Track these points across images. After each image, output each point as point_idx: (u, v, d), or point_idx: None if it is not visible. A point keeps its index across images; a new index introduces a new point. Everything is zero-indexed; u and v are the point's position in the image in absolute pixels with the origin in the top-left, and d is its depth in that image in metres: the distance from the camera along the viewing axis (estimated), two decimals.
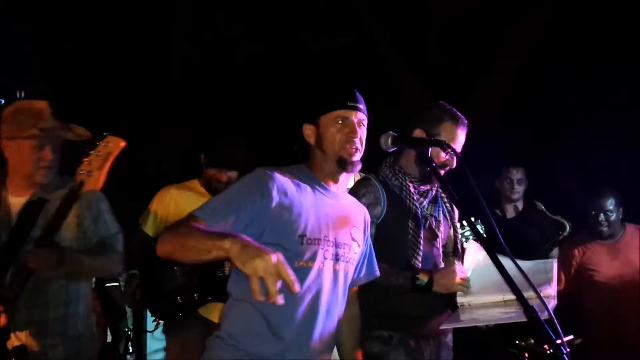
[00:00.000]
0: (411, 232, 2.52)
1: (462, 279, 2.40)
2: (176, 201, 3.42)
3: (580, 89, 5.34)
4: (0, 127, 2.67)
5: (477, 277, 2.40)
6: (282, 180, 2.07)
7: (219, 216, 1.96)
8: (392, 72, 6.23)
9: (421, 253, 2.55)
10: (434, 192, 2.64)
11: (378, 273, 2.38)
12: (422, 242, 2.55)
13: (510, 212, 4.50)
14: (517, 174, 4.47)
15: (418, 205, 2.56)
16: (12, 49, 4.77)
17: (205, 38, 6.22)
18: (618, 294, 3.97)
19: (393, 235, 2.46)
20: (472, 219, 3.10)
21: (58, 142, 2.68)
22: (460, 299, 2.32)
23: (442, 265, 2.62)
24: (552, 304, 2.05)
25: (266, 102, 6.09)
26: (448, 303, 2.62)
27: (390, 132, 2.20)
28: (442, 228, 2.64)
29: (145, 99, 5.91)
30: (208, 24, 6.19)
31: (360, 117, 2.19)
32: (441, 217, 2.65)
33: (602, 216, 3.99)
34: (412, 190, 2.57)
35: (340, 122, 2.15)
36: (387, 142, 2.18)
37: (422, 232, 2.55)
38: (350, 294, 2.30)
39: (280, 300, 1.63)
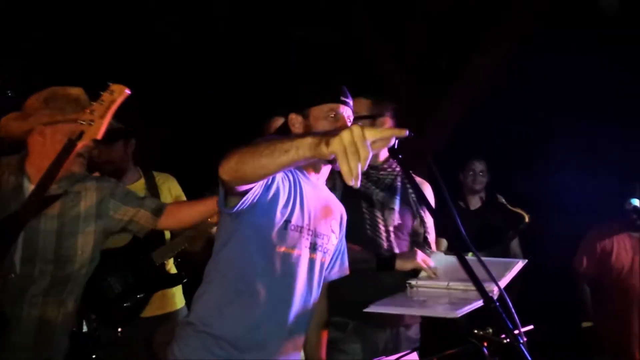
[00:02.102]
0: (366, 212, 2.56)
1: (423, 260, 2.47)
2: None
3: (566, 79, 5.39)
4: (32, 116, 2.59)
5: (436, 262, 2.50)
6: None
7: None
8: (375, 61, 6.24)
9: (382, 232, 2.59)
10: (392, 181, 2.67)
11: (348, 270, 2.40)
12: (380, 222, 2.59)
13: (474, 204, 4.71)
14: (479, 166, 4.70)
15: (370, 189, 2.63)
16: None
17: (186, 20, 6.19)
18: (632, 288, 4.10)
19: (351, 218, 2.47)
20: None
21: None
22: (410, 281, 2.39)
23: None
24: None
25: (245, 88, 6.09)
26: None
27: (359, 123, 2.22)
28: (395, 216, 2.67)
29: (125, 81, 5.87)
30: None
31: (349, 113, 2.23)
32: (396, 206, 2.69)
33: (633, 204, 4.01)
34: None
35: (332, 115, 2.18)
36: None
37: (377, 212, 2.60)
38: (322, 288, 2.33)
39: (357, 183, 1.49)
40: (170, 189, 3.73)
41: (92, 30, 5.74)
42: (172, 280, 3.51)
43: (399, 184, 2.75)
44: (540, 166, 5.53)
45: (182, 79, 6.06)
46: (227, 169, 1.79)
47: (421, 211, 2.77)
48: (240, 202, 1.93)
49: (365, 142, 1.50)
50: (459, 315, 1.94)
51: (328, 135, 1.56)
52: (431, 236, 2.84)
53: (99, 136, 2.45)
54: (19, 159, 2.65)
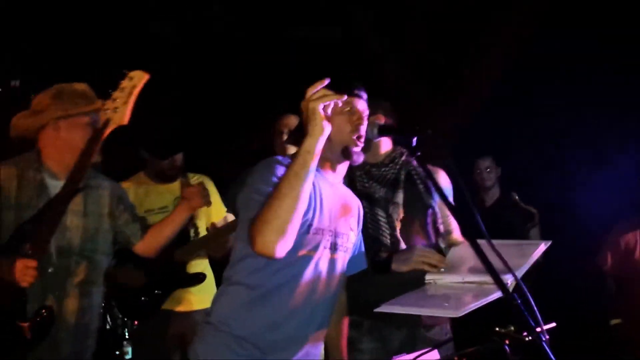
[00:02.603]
0: (367, 210, 2.54)
1: (422, 258, 2.33)
2: (135, 195, 3.50)
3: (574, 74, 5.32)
4: (43, 112, 2.66)
5: (454, 257, 2.38)
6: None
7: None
8: (375, 60, 6.22)
9: (385, 229, 2.56)
10: (395, 175, 2.65)
11: (365, 264, 2.39)
12: (382, 219, 2.57)
13: (488, 201, 4.75)
14: (484, 164, 4.74)
15: (372, 187, 2.61)
16: None
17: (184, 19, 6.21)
18: None
19: None
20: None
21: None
22: (428, 276, 2.30)
23: None
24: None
25: (245, 90, 6.10)
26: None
27: (377, 121, 2.22)
28: (400, 210, 2.65)
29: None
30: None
31: (364, 106, 2.22)
32: (400, 200, 2.66)
33: None
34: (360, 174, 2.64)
35: (348, 109, 2.17)
36: (373, 131, 2.19)
37: (379, 209, 2.57)
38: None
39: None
40: (210, 187, 3.74)
41: (94, 26, 5.76)
42: (191, 280, 3.53)
43: (402, 177, 2.73)
44: (558, 163, 5.46)
45: (184, 80, 6.08)
46: (266, 236, 1.89)
47: (433, 202, 2.74)
48: None
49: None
50: (461, 315, 1.88)
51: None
52: (449, 226, 2.81)
53: (125, 121, 2.53)
54: (34, 156, 2.70)
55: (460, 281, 2.18)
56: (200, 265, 3.64)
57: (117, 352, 3.48)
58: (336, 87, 2.18)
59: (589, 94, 5.13)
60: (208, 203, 2.92)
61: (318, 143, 1.95)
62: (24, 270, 2.42)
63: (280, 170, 2.03)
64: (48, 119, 2.65)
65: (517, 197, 4.53)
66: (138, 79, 2.53)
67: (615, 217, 4.35)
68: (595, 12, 5.24)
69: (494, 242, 1.86)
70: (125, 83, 2.52)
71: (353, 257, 2.33)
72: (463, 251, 2.35)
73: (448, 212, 2.77)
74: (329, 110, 1.97)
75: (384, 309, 2.06)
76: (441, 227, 2.76)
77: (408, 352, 2.68)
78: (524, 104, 5.65)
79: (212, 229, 3.58)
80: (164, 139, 3.74)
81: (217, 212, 3.71)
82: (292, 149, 2.99)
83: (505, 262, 1.81)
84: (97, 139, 2.57)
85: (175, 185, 3.67)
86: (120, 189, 2.94)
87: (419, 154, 2.08)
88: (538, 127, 5.56)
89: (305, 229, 2.06)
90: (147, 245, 2.87)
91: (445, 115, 6.02)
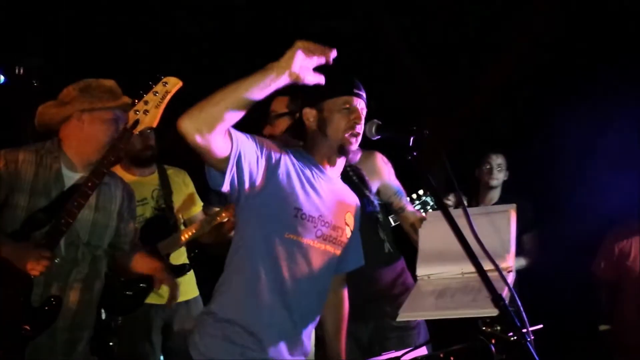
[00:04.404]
0: None
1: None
2: None
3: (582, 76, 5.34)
4: (69, 104, 2.71)
5: (433, 245, 2.21)
6: (290, 157, 2.16)
7: (244, 137, 2.03)
8: (392, 55, 6.22)
9: None
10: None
11: (363, 261, 2.43)
12: None
13: (487, 203, 4.29)
14: (497, 160, 4.32)
15: None
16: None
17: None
18: None
19: None
20: (421, 192, 3.18)
21: (125, 121, 2.73)
22: (420, 271, 2.19)
23: None
24: (510, 277, 1.94)
25: None
26: (376, 289, 2.75)
27: (375, 120, 2.24)
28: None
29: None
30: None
31: (363, 106, 2.25)
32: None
33: None
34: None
35: (346, 107, 2.21)
36: (371, 130, 2.22)
37: None
38: (337, 281, 2.38)
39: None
40: (185, 181, 3.81)
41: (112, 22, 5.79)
42: (175, 272, 3.54)
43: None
44: (558, 167, 5.48)
45: (196, 72, 6.10)
46: (191, 113, 1.88)
47: (367, 191, 2.79)
48: (229, 170, 1.97)
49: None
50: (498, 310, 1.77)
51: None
52: (399, 203, 2.88)
53: (155, 124, 2.59)
54: (55, 145, 2.75)
55: (458, 274, 2.07)
56: (180, 258, 3.68)
57: (111, 343, 3.50)
58: (336, 86, 2.23)
59: (591, 96, 5.14)
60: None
61: (278, 73, 1.91)
62: (38, 260, 2.48)
63: (275, 148, 2.11)
64: (73, 111, 2.70)
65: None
66: (172, 85, 2.57)
67: (610, 222, 4.36)
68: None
69: (459, 212, 1.89)
70: (159, 87, 2.57)
71: (351, 254, 2.37)
72: (436, 231, 2.18)
73: (393, 192, 2.85)
74: (307, 63, 1.95)
75: (405, 317, 2.02)
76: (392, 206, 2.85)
77: (379, 345, 2.74)
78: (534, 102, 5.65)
79: (203, 220, 3.59)
80: None
81: (193, 205, 3.77)
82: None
83: (486, 252, 1.82)
84: (126, 138, 2.63)
85: (154, 177, 3.69)
86: (131, 190, 2.99)
87: (415, 154, 2.11)
88: (544, 127, 5.56)
89: (293, 211, 2.10)
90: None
91: (456, 108, 6.02)
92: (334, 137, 2.21)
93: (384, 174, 2.90)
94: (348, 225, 2.30)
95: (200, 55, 6.25)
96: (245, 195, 2.06)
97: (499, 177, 4.32)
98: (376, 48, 6.24)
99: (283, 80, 1.93)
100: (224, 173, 1.98)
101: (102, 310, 3.98)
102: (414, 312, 2.02)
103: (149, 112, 2.57)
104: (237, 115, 1.93)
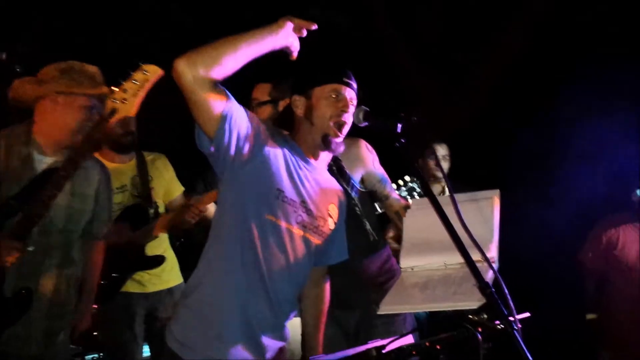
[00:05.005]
0: None
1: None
2: None
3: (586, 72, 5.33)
4: (47, 83, 2.64)
5: (417, 235, 2.19)
6: (275, 139, 2.13)
7: (237, 104, 2.03)
8: (387, 47, 6.20)
9: None
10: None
11: (347, 255, 2.41)
12: None
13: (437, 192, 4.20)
14: (441, 150, 4.33)
15: None
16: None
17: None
18: (637, 280, 4.08)
19: None
20: (408, 178, 3.17)
21: (101, 110, 2.67)
22: (403, 262, 2.16)
23: None
24: (494, 267, 1.90)
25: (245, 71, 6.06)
26: (362, 278, 2.74)
27: (363, 106, 2.22)
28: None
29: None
30: None
31: (352, 95, 2.22)
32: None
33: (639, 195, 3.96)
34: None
35: (334, 95, 2.18)
36: (358, 116, 2.20)
37: None
38: (319, 274, 2.36)
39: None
40: (165, 166, 3.77)
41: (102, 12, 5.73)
42: (150, 262, 3.54)
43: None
44: (548, 158, 5.48)
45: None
46: (188, 56, 1.92)
47: (347, 181, 2.78)
48: (219, 129, 1.97)
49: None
50: (481, 303, 1.79)
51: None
52: (383, 191, 2.87)
53: (133, 113, 2.51)
54: (25, 129, 2.68)
55: (442, 266, 2.07)
56: (162, 246, 3.65)
57: (95, 333, 3.49)
58: (325, 73, 2.20)
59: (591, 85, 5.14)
60: None
61: (273, 30, 2.02)
62: (8, 251, 2.43)
63: (265, 127, 2.12)
64: (49, 91, 2.63)
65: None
66: (152, 73, 2.48)
67: (598, 212, 4.37)
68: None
69: (445, 199, 1.87)
70: (138, 75, 2.47)
71: (334, 247, 2.35)
72: (420, 220, 2.18)
73: (377, 179, 2.84)
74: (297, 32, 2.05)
75: (387, 310, 2.02)
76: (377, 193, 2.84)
77: (366, 332, 2.73)
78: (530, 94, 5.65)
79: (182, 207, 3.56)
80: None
81: (173, 190, 3.74)
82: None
83: (475, 242, 1.80)
84: (102, 126, 2.57)
85: (132, 164, 3.65)
86: (108, 173, 2.94)
87: (402, 141, 2.09)
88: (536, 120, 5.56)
89: (275, 192, 2.08)
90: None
91: (453, 101, 6.01)
92: (320, 125, 2.18)
93: (367, 161, 2.88)
94: (331, 217, 2.27)
95: (190, 45, 6.17)
96: (230, 163, 2.02)
97: (443, 167, 4.29)
98: (370, 39, 6.20)
99: (279, 39, 2.02)
100: (211, 136, 1.97)
101: None
102: (396, 305, 2.01)
103: (127, 101, 2.49)
104: (233, 64, 1.95)
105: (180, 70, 1.89)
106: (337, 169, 2.77)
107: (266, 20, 2.04)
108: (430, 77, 6.20)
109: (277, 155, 2.11)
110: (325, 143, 2.19)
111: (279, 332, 2.17)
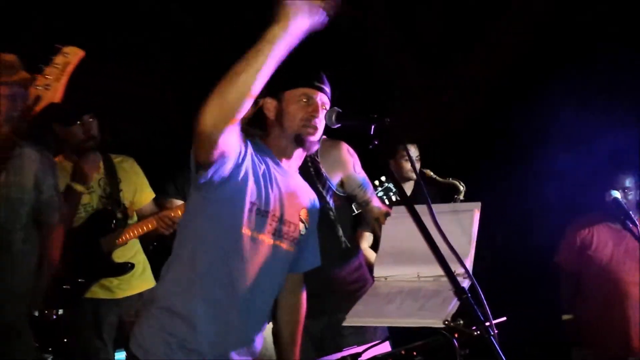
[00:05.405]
0: None
1: None
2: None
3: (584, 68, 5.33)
4: None
5: (393, 244, 2.14)
6: (249, 148, 2.07)
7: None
8: (383, 46, 6.17)
9: None
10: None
11: (320, 261, 2.35)
12: None
13: (408, 191, 4.34)
14: (415, 152, 4.38)
15: None
16: None
17: None
18: (612, 280, 4.03)
19: None
20: (383, 178, 3.13)
21: (26, 97, 2.55)
22: (377, 271, 2.11)
23: None
24: (465, 284, 1.88)
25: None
26: (331, 285, 2.71)
27: (335, 108, 2.18)
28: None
29: None
30: None
31: (324, 100, 2.17)
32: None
33: (619, 193, 3.86)
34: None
35: (304, 100, 2.14)
36: (331, 118, 2.15)
37: None
38: (294, 281, 2.30)
39: None
40: (134, 169, 3.70)
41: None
42: (116, 269, 3.46)
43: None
44: (524, 158, 5.49)
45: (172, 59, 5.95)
46: (211, 111, 1.75)
47: (323, 185, 2.74)
48: (214, 166, 1.90)
49: None
50: (443, 324, 1.76)
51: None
52: (363, 196, 2.81)
53: (58, 99, 2.42)
54: None
55: (414, 277, 2.02)
56: (132, 249, 3.58)
57: (65, 340, 3.42)
58: (297, 77, 2.15)
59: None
60: None
61: (281, 33, 1.78)
62: None
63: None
64: None
65: (432, 173, 4.29)
66: (73, 55, 2.40)
67: (574, 213, 4.37)
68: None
69: (423, 208, 1.83)
70: (59, 59, 2.39)
71: (307, 253, 2.30)
72: (399, 228, 2.15)
73: (358, 184, 2.79)
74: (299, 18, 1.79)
75: (352, 322, 1.97)
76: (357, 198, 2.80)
77: (332, 340, 2.69)
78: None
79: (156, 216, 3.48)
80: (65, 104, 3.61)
81: (143, 196, 3.67)
82: None
83: (454, 251, 1.78)
84: (26, 116, 2.44)
85: (99, 166, 3.56)
86: (51, 162, 2.89)
87: (376, 142, 2.04)
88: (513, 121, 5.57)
89: (250, 206, 2.03)
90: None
91: (444, 98, 6.00)
92: (290, 128, 2.14)
93: (348, 165, 2.83)
94: (303, 222, 2.22)
95: (190, 45, 6.08)
96: (211, 185, 1.97)
97: (416, 168, 4.34)
98: (361, 36, 6.15)
99: (292, 37, 1.80)
100: (208, 164, 1.89)
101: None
102: (360, 317, 1.95)
103: (51, 87, 2.38)
104: (250, 99, 1.81)
105: (209, 131, 1.79)
106: (314, 171, 2.73)
107: (266, 20, 1.88)
108: (426, 76, 6.18)
109: (249, 168, 2.05)
110: (299, 142, 2.14)
111: (248, 347, 2.11)
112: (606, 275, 4.06)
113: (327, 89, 2.21)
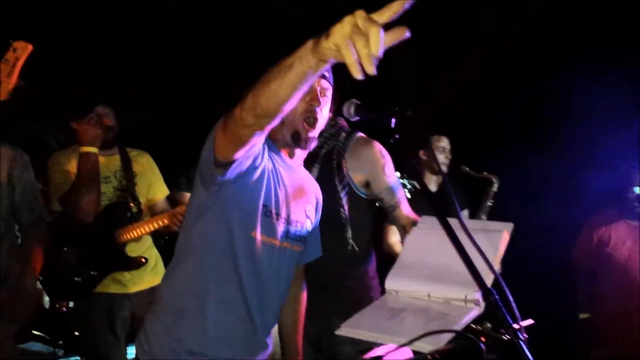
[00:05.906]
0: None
1: None
2: (62, 165, 3.34)
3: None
4: None
5: (413, 256, 2.06)
6: (265, 148, 2.01)
7: None
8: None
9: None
10: (314, 150, 2.50)
11: (321, 252, 2.31)
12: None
13: (433, 187, 4.19)
14: (444, 143, 4.16)
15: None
16: None
17: None
18: (630, 278, 3.98)
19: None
20: (398, 174, 3.04)
21: None
22: (390, 283, 2.02)
23: None
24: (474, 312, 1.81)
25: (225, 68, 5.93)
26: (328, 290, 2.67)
27: (354, 100, 2.09)
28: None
29: None
30: None
31: (325, 86, 2.08)
32: (314, 176, 2.56)
33: (636, 192, 3.86)
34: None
35: None
36: (349, 110, 2.07)
37: None
38: (296, 274, 2.25)
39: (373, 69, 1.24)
40: (149, 164, 3.66)
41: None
42: (130, 263, 3.40)
43: (323, 152, 2.66)
44: (539, 155, 5.42)
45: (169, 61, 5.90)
46: (246, 108, 1.61)
47: (342, 184, 2.67)
48: (234, 165, 1.83)
49: (373, 22, 1.23)
50: (431, 350, 1.67)
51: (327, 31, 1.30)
52: (390, 200, 2.71)
53: (4, 97, 2.38)
54: None
55: (425, 296, 1.93)
56: (145, 243, 3.52)
57: (77, 333, 3.37)
58: None
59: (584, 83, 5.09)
60: None
61: (314, 62, 1.39)
62: None
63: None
64: None
65: (467, 169, 4.19)
66: (22, 50, 2.37)
67: (589, 210, 4.30)
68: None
69: (456, 221, 1.73)
70: (8, 55, 2.36)
71: (310, 245, 2.25)
72: (422, 241, 2.07)
73: (386, 187, 2.68)
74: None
75: (345, 332, 1.88)
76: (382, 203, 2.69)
77: (327, 343, 2.63)
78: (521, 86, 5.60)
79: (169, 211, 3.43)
80: (75, 98, 3.55)
81: (157, 191, 3.63)
82: None
83: (486, 259, 1.69)
84: None
85: (116, 158, 3.53)
86: (24, 159, 2.85)
87: (397, 136, 1.95)
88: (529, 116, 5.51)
89: (262, 208, 1.97)
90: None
91: (443, 91, 5.95)
92: (289, 122, 2.06)
93: (377, 166, 2.72)
94: (308, 218, 2.18)
95: (190, 45, 6.02)
96: (225, 184, 1.90)
97: (446, 161, 4.14)
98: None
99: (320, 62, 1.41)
100: (229, 163, 1.82)
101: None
102: (354, 328, 1.86)
103: (1, 83, 2.36)
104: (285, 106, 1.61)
105: (247, 123, 1.65)
106: (337, 165, 2.65)
107: (266, 21, 1.74)
108: (428, 74, 6.13)
109: (263, 167, 1.99)
110: (295, 140, 2.07)
111: (260, 349, 2.06)
112: (624, 273, 3.99)
113: (328, 74, 2.11)
